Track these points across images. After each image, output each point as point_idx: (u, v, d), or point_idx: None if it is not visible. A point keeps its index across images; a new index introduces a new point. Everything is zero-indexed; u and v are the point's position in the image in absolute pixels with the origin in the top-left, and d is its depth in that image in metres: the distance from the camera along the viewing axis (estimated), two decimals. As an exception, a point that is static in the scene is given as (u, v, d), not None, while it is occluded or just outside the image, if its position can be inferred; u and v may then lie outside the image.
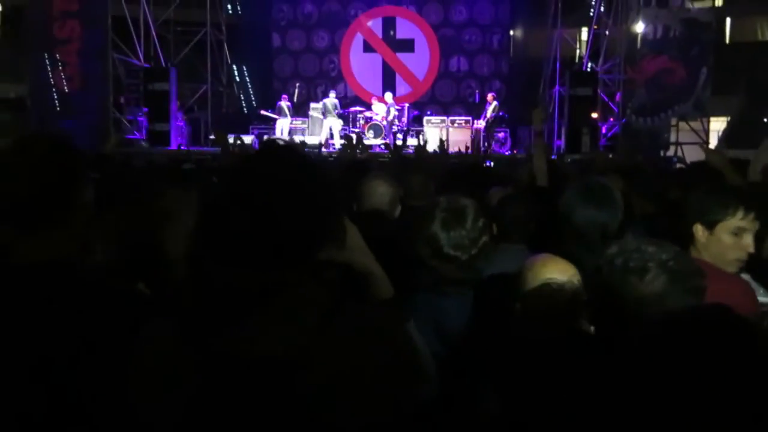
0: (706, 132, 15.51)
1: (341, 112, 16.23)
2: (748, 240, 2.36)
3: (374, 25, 18.83)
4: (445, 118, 16.45)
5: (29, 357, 1.44)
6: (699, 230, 2.41)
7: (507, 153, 15.61)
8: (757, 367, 1.12)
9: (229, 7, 19.06)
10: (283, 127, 16.05)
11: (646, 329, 1.23)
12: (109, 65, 14.80)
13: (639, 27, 15.00)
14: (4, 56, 18.66)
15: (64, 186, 1.56)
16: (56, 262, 1.52)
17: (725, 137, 18.91)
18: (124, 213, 1.94)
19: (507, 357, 1.69)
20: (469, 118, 16.43)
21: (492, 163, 7.90)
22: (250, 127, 16.92)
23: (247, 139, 15.00)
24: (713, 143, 17.08)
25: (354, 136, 12.28)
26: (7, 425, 1.44)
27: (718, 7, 16.21)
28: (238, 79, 19.45)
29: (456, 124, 16.02)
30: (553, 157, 10.88)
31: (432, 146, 8.40)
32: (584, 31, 18.54)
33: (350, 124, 16.57)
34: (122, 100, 15.89)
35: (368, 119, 16.33)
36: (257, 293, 1.21)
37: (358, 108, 16.96)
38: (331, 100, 16.09)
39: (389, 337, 1.25)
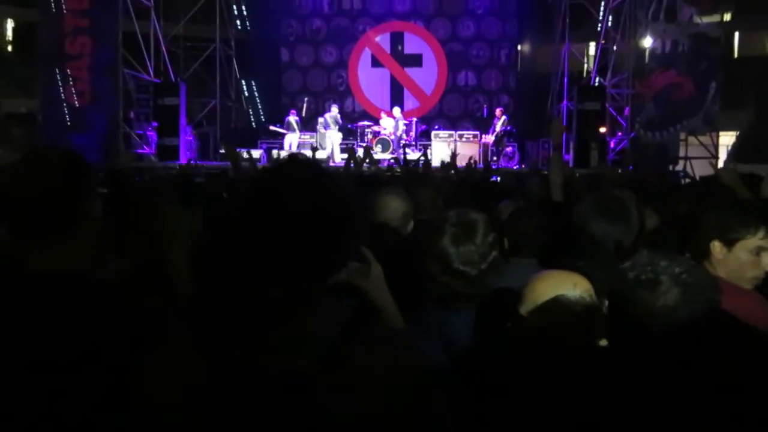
0: (715, 146, 15.46)
1: (341, 125, 16.23)
2: (767, 259, 2.35)
3: (382, 40, 18.93)
4: (453, 132, 16.48)
5: (42, 367, 1.44)
6: (717, 247, 2.38)
7: (515, 167, 15.60)
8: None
9: (238, 22, 19.22)
10: (291, 142, 16.09)
11: (657, 341, 1.22)
12: (120, 80, 14.92)
13: (647, 42, 15.00)
14: (16, 71, 18.85)
15: (74, 199, 1.57)
16: (68, 274, 1.53)
17: (734, 152, 18.83)
18: (132, 228, 1.95)
19: (514, 373, 1.67)
20: (477, 132, 16.46)
21: (498, 178, 7.88)
22: (259, 141, 17.00)
23: (256, 153, 15.07)
24: (722, 158, 17.01)
25: (360, 148, 12.30)
26: None
27: (727, 22, 16.18)
28: (246, 93, 19.57)
29: (464, 139, 16.04)
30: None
31: (440, 161, 8.40)
32: (592, 45, 18.58)
33: (358, 138, 16.61)
34: (132, 114, 15.99)
35: (376, 133, 16.38)
36: (275, 308, 1.21)
37: (366, 122, 17.03)
38: (332, 114, 16.12)
39: (404, 359, 1.24)
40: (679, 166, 15.14)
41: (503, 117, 15.93)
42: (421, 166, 8.23)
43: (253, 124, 19.47)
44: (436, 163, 13.05)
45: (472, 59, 18.89)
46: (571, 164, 14.32)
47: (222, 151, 16.32)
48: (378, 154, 15.82)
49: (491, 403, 1.65)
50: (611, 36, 16.35)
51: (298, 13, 19.10)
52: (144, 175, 9.97)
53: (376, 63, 18.95)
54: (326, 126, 15.98)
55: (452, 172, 7.97)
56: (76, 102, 14.76)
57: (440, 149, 15.59)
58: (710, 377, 1.12)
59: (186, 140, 15.87)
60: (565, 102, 16.56)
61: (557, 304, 1.72)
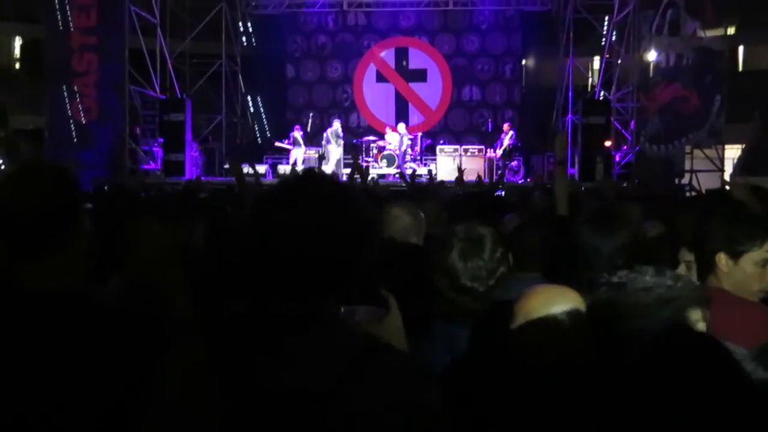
0: (721, 160, 15.43)
1: (343, 139, 16.25)
2: None
3: (387, 55, 19.01)
4: (458, 147, 16.49)
5: (48, 384, 1.44)
6: (722, 259, 2.36)
7: (520, 181, 15.59)
8: (739, 398, 1.12)
9: (243, 39, 19.34)
10: (297, 157, 16.15)
11: (630, 357, 1.21)
12: (126, 97, 15.01)
13: (651, 55, 15.02)
14: (24, 88, 19.00)
15: (64, 215, 1.57)
16: (65, 290, 1.53)
17: (740, 165, 18.78)
18: (127, 245, 1.95)
19: (504, 387, 1.66)
20: (482, 146, 16.47)
21: (503, 192, 7.88)
22: (264, 156, 17.05)
23: (261, 168, 15.11)
24: (728, 171, 16.98)
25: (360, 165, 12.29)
26: None
27: (731, 36, 16.23)
28: (252, 109, 19.66)
29: (469, 153, 16.05)
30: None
31: (444, 176, 8.40)
32: (596, 59, 18.61)
33: (363, 153, 16.65)
34: (138, 130, 16.07)
35: (381, 148, 16.42)
36: (291, 324, 1.20)
37: (371, 137, 17.07)
38: (333, 128, 16.14)
39: (417, 383, 1.24)
40: (685, 180, 15.11)
41: (511, 132, 15.96)
42: (425, 180, 8.24)
43: (259, 139, 19.54)
44: (441, 177, 13.06)
45: (477, 74, 18.94)
46: (576, 178, 14.31)
47: (227, 166, 16.37)
48: (383, 168, 15.85)
49: (481, 415, 1.64)
50: (615, 50, 16.38)
51: (304, 29, 19.21)
52: (150, 191, 10.01)
53: (381, 78, 19.02)
54: (327, 141, 16.04)
55: (458, 186, 7.97)
56: (82, 118, 14.85)
57: (445, 164, 15.60)
58: (674, 393, 1.12)
59: (192, 156, 15.93)
60: (569, 116, 16.58)
61: (548, 321, 1.71)
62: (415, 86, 18.90)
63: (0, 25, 20.11)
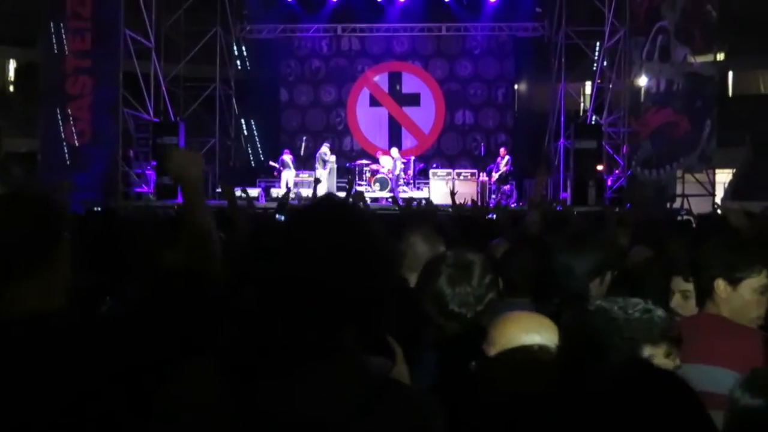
0: (712, 184, 15.52)
1: (328, 162, 16.25)
2: None
3: (380, 79, 19.14)
4: (450, 170, 16.56)
5: (44, 410, 1.43)
6: (721, 285, 2.34)
7: (513, 205, 15.64)
8: None
9: (238, 63, 19.45)
10: (288, 179, 16.20)
11: (593, 387, 1.21)
12: (120, 120, 15.02)
13: (642, 81, 15.17)
14: (17, 111, 19.02)
15: (45, 242, 1.58)
16: (32, 315, 1.53)
17: (731, 189, 18.90)
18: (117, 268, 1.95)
19: (475, 415, 1.65)
20: (475, 170, 16.53)
21: (495, 216, 7.89)
22: (257, 180, 17.06)
23: (254, 192, 15.11)
24: (719, 195, 17.07)
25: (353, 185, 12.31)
26: None
27: (720, 62, 16.40)
28: (246, 132, 19.72)
29: (462, 177, 16.10)
30: (558, 208, 10.88)
31: (437, 200, 8.40)
32: (588, 84, 18.78)
33: (356, 177, 16.69)
34: (131, 153, 16.07)
35: (375, 172, 16.46)
36: (309, 351, 1.18)
37: (364, 161, 17.12)
38: (320, 152, 16.14)
39: (426, 418, 1.23)
40: (677, 204, 15.18)
41: (507, 157, 16.04)
42: (417, 205, 8.24)
43: (252, 162, 19.58)
44: (435, 201, 13.08)
45: (470, 98, 19.07)
46: (568, 202, 14.36)
47: (219, 190, 16.37)
48: (376, 192, 15.88)
49: None
50: (607, 75, 16.54)
51: (298, 53, 19.35)
52: (142, 214, 9.97)
53: (374, 102, 19.13)
54: (315, 165, 16.11)
55: (450, 210, 7.98)
56: (75, 141, 14.84)
57: (438, 187, 15.64)
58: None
59: (185, 179, 15.89)
60: (562, 140, 16.68)
61: (521, 351, 1.70)
62: (408, 110, 19.01)
63: (-5, 48, 20.22)
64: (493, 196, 15.67)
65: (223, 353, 1.24)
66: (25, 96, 18.77)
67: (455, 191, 9.31)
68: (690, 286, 2.57)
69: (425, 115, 19.05)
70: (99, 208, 10.03)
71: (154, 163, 15.80)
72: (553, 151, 17.26)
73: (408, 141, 18.85)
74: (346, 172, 16.96)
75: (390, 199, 13.93)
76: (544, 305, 2.43)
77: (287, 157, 16.41)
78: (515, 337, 1.72)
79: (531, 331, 1.73)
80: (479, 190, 15.68)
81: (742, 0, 17.61)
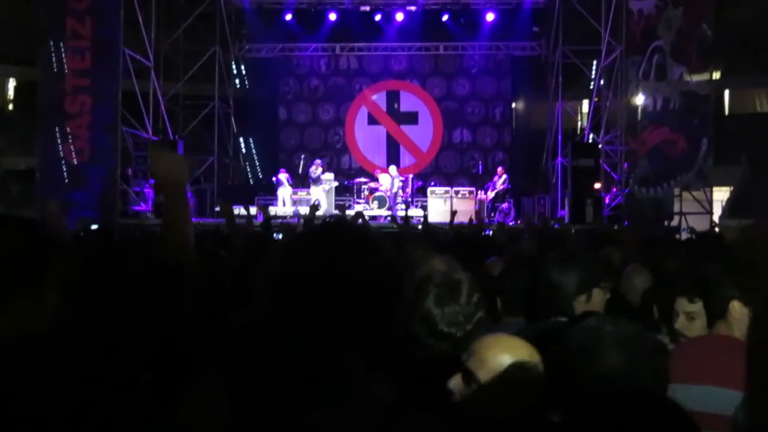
0: (710, 202, 15.55)
1: (322, 183, 16.25)
2: None
3: (379, 98, 19.22)
4: (449, 188, 16.58)
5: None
6: (736, 306, 2.32)
7: (511, 223, 15.65)
8: None
9: (237, 81, 19.54)
10: (284, 197, 16.23)
11: (592, 412, 1.19)
12: (118, 138, 15.05)
13: (639, 99, 15.24)
14: (17, 129, 19.05)
15: (34, 266, 1.58)
16: (28, 336, 1.53)
17: (729, 207, 18.93)
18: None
19: None
20: (473, 188, 16.56)
21: (491, 232, 7.91)
22: (256, 197, 17.08)
23: (252, 210, 15.11)
24: (717, 213, 17.09)
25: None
26: None
27: (716, 80, 16.51)
28: (244, 150, 19.77)
29: (460, 195, 16.12)
30: (556, 226, 10.89)
31: (435, 218, 8.40)
32: (585, 103, 18.88)
33: (355, 195, 16.71)
34: (129, 171, 16.08)
35: (373, 190, 16.48)
36: (317, 377, 1.17)
37: (362, 179, 17.15)
38: (311, 170, 16.14)
39: None
40: (674, 222, 15.20)
41: (504, 176, 16.09)
42: (418, 222, 8.25)
43: (251, 180, 19.61)
44: (433, 219, 13.08)
45: (468, 117, 19.15)
46: (566, 220, 14.37)
47: (218, 209, 16.37)
48: (374, 210, 15.89)
49: None
50: (603, 94, 16.62)
51: (296, 72, 19.46)
52: (143, 232, 9.96)
53: (372, 120, 19.20)
54: (310, 183, 16.18)
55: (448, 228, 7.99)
56: (74, 159, 14.85)
57: (436, 205, 15.65)
58: None
59: (183, 197, 15.90)
60: (559, 158, 16.72)
61: (500, 375, 1.70)
62: (406, 128, 19.08)
63: (-5, 67, 20.30)
64: (492, 214, 15.69)
65: (225, 378, 1.22)
66: (25, 114, 18.80)
67: (455, 210, 9.34)
68: (695, 308, 2.54)
69: (423, 134, 19.11)
70: (96, 226, 10.03)
71: (153, 181, 15.81)
72: (551, 170, 17.30)
73: (406, 159, 18.90)
74: (345, 190, 16.98)
75: (389, 218, 13.95)
76: (537, 324, 2.43)
77: (283, 176, 16.47)
78: (495, 358, 1.72)
79: (503, 352, 1.73)
80: (477, 208, 15.69)
81: (737, 19, 17.76)
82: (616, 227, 12.30)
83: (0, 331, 1.53)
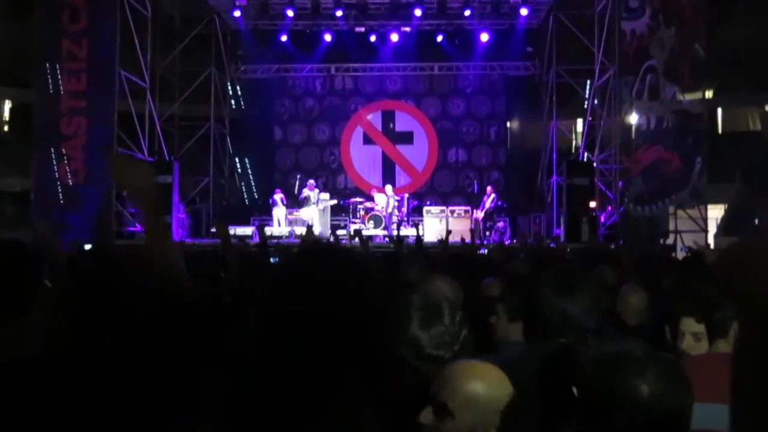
0: (704, 220, 15.59)
1: (309, 201, 16.22)
2: None
3: (374, 118, 19.30)
4: (444, 208, 16.60)
5: None
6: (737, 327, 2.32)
7: (507, 242, 15.65)
8: None
9: (232, 102, 19.60)
10: (279, 217, 16.22)
11: None
12: (114, 159, 15.04)
13: (633, 118, 15.33)
14: (12, 151, 19.05)
15: (22, 289, 1.59)
16: (15, 359, 1.51)
17: (724, 225, 18.99)
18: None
19: None
20: (469, 207, 16.59)
21: (486, 251, 7.91)
22: (251, 218, 17.07)
23: (248, 230, 15.11)
24: (712, 231, 17.13)
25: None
26: None
27: (709, 99, 16.61)
28: (240, 171, 19.79)
29: (455, 214, 16.13)
30: (552, 245, 10.89)
31: (431, 237, 8.40)
32: (579, 122, 18.98)
33: (351, 214, 16.71)
34: (125, 192, 16.06)
35: (369, 210, 16.49)
36: (310, 405, 1.16)
37: (358, 199, 17.17)
38: (304, 192, 16.08)
39: None
40: (670, 240, 15.23)
41: (493, 195, 16.14)
42: (412, 241, 8.25)
43: (246, 200, 19.61)
44: (428, 238, 13.09)
45: (463, 136, 19.23)
46: (562, 239, 14.38)
47: (213, 230, 16.36)
48: (370, 230, 15.88)
49: None
50: (597, 113, 16.72)
51: (292, 92, 19.54)
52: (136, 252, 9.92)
53: (367, 140, 19.26)
54: (302, 203, 16.14)
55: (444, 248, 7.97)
56: (69, 180, 14.84)
57: (432, 225, 15.66)
58: None
59: (178, 218, 15.90)
60: (554, 177, 16.78)
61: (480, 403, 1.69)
62: (401, 148, 19.14)
63: (-10, 89, 20.36)
64: (487, 233, 15.70)
65: (218, 409, 1.21)
66: (20, 136, 18.82)
67: (449, 230, 9.33)
68: (702, 328, 2.53)
69: (419, 153, 19.18)
70: (89, 246, 9.98)
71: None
72: (546, 188, 17.35)
73: (402, 178, 18.95)
74: (341, 210, 16.98)
75: (386, 237, 13.95)
76: (540, 345, 2.41)
77: (277, 196, 16.48)
78: (466, 387, 1.71)
79: (474, 380, 1.72)
80: (473, 227, 15.69)
81: (729, 39, 17.94)
82: (612, 246, 12.31)
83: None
